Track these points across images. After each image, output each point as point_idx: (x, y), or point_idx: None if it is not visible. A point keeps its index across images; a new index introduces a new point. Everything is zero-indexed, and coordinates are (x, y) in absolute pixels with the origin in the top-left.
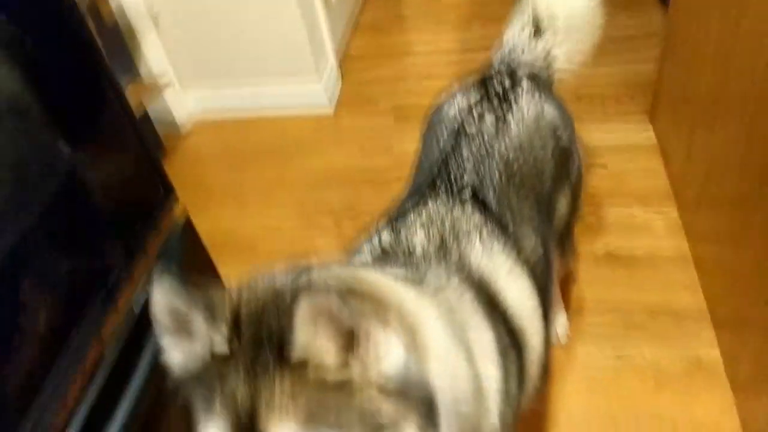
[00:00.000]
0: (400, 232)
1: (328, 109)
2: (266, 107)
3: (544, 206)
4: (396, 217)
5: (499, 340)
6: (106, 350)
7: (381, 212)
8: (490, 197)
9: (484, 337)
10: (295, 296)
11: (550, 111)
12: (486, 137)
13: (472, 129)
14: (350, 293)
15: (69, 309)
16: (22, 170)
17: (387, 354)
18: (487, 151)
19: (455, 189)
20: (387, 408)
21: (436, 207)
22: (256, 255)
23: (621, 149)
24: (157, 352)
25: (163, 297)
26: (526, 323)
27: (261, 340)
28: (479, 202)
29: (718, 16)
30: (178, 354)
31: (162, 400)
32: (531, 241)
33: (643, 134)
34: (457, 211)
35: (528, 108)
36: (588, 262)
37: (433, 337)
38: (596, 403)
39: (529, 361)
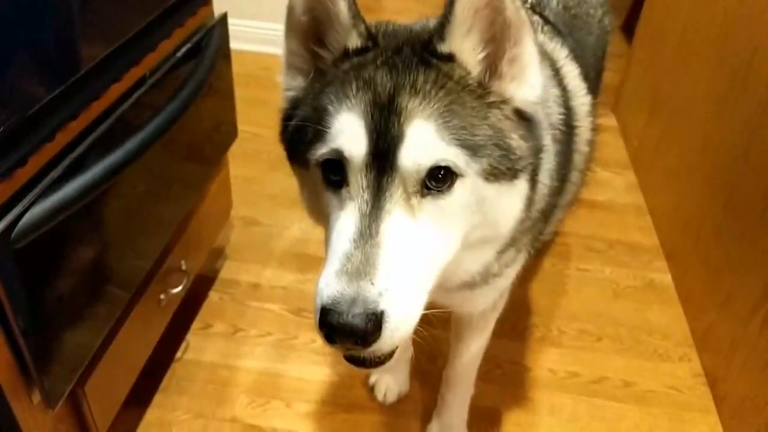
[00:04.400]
0: None
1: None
2: (258, 44)
3: (590, 48)
4: None
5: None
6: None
7: None
8: (547, 13)
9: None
10: None
11: None
12: None
13: None
14: None
15: None
16: None
17: (529, 70)
18: None
19: None
20: (516, 138)
21: None
22: (233, 156)
23: None
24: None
25: None
26: (578, 103)
27: (402, 43)
28: (538, 13)
29: (673, 41)
30: (298, 76)
31: None
32: (580, 52)
33: (607, 119)
34: None
35: None
36: None
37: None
38: (560, 302)
39: (577, 145)
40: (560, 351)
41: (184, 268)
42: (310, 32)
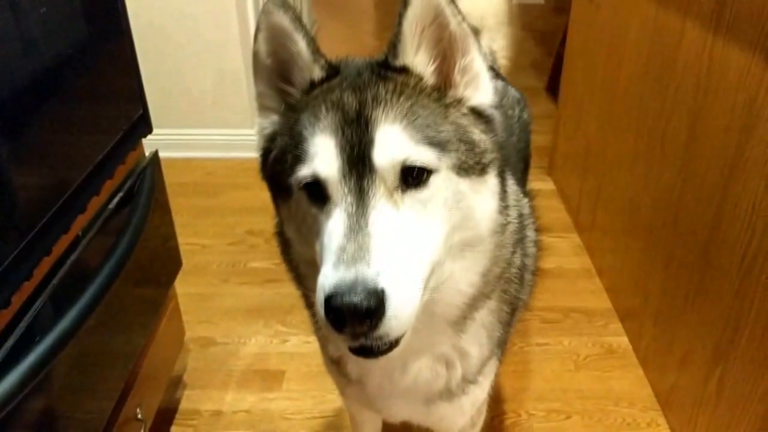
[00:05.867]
0: None
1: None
2: (200, 150)
3: (513, 148)
4: None
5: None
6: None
7: None
8: None
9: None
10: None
11: (513, 90)
12: None
13: None
14: None
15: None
16: None
17: (480, 77)
18: None
19: None
20: (477, 132)
21: None
22: (182, 272)
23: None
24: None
25: (272, 16)
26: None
27: (361, 67)
28: None
29: (595, 102)
30: (271, 113)
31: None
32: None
33: (544, 183)
34: None
35: (495, 83)
36: None
37: None
38: (525, 383)
39: (526, 248)
40: None
41: (140, 416)
42: (276, 73)
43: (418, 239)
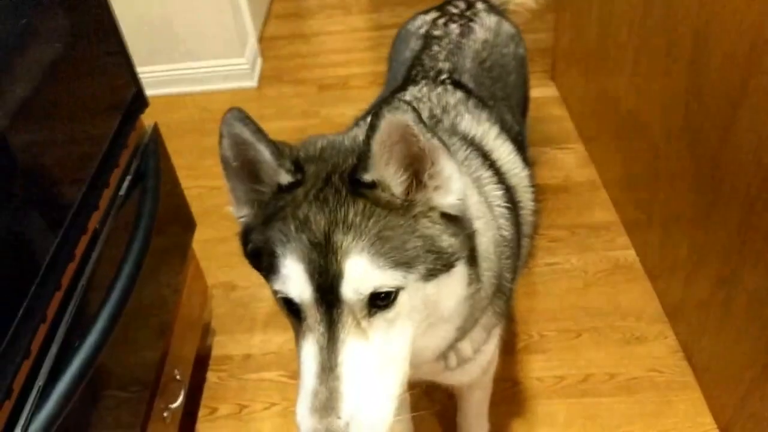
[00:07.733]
0: None
1: (252, 83)
2: (193, 84)
3: (512, 97)
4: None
5: (505, 195)
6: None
7: None
8: (466, 79)
9: (496, 192)
10: (375, 114)
11: (507, 26)
12: (453, 36)
13: (438, 32)
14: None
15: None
16: None
17: (450, 181)
18: (456, 45)
19: (432, 74)
20: (445, 238)
21: (418, 89)
22: (195, 213)
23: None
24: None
25: (232, 127)
26: (517, 181)
27: (330, 172)
28: (457, 82)
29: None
30: (245, 207)
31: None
32: (509, 117)
33: (547, 89)
34: (440, 89)
35: (488, 20)
36: None
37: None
38: (535, 304)
39: (523, 217)
40: (544, 356)
41: (178, 377)
42: (244, 172)
43: (389, 359)
